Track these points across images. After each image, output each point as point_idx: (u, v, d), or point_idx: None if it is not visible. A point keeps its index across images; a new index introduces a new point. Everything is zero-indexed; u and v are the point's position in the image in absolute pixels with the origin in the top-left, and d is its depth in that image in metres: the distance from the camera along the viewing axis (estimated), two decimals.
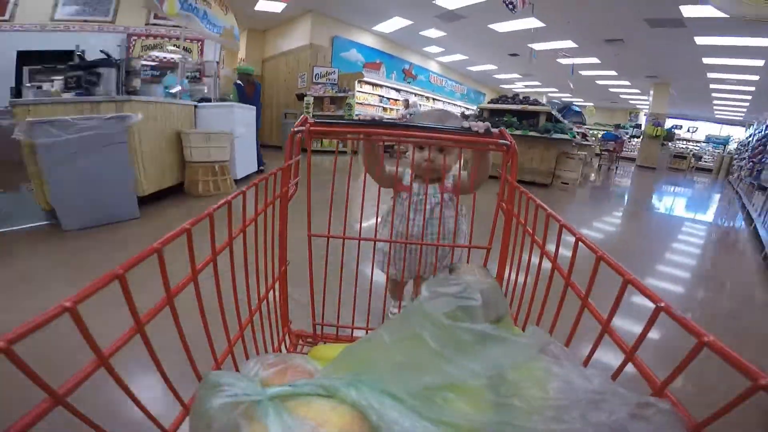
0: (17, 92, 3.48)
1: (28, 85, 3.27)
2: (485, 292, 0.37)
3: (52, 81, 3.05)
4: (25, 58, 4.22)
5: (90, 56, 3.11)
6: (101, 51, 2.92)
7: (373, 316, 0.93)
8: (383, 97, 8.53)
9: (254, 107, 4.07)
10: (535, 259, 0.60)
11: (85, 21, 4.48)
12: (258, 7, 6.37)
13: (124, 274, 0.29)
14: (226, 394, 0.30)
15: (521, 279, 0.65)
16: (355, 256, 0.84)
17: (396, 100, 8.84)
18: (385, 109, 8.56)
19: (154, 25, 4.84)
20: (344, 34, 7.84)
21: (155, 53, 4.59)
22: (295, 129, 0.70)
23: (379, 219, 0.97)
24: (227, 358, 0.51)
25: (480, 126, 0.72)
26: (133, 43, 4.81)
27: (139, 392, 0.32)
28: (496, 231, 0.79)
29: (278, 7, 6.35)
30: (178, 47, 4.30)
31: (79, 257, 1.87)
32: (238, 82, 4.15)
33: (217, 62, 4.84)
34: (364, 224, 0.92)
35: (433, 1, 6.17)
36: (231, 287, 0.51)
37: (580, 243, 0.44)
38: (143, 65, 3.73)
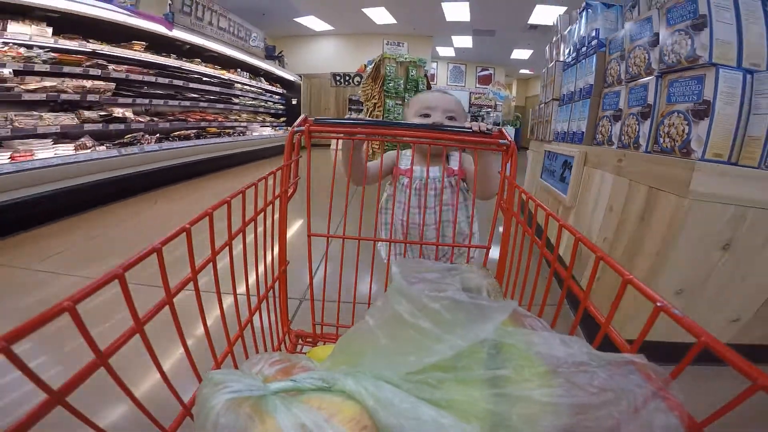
0: None
1: None
2: (466, 280, 0.37)
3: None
4: None
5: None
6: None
7: None
8: None
9: None
10: (534, 259, 0.60)
11: (456, 85, 11.70)
12: (520, 71, 13.13)
13: (124, 273, 0.29)
14: (230, 391, 0.30)
15: (521, 279, 0.65)
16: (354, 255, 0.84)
17: None
18: None
19: (477, 88, 11.93)
20: None
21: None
22: (295, 128, 0.70)
23: (378, 207, 0.95)
24: (227, 358, 0.51)
25: (481, 126, 0.72)
26: (471, 96, 11.80)
27: (139, 392, 0.32)
28: (495, 231, 0.79)
29: (529, 72, 13.47)
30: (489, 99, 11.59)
31: None
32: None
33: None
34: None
35: None
36: (231, 287, 0.51)
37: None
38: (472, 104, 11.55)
